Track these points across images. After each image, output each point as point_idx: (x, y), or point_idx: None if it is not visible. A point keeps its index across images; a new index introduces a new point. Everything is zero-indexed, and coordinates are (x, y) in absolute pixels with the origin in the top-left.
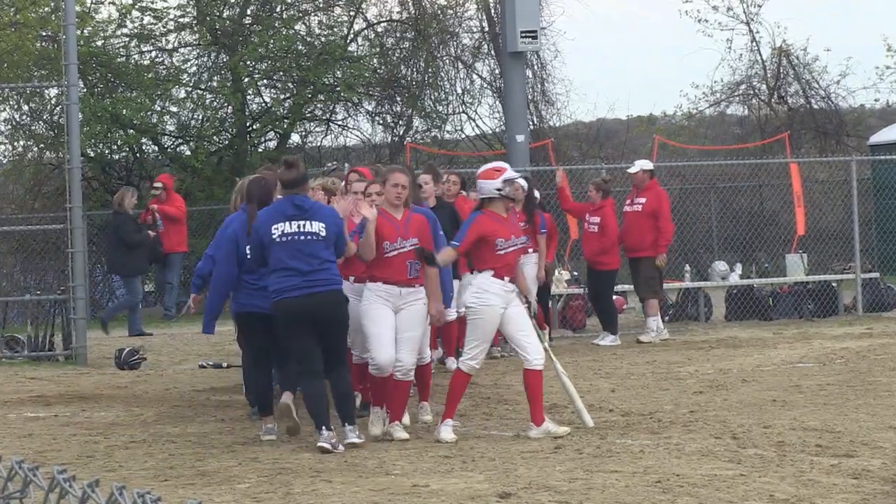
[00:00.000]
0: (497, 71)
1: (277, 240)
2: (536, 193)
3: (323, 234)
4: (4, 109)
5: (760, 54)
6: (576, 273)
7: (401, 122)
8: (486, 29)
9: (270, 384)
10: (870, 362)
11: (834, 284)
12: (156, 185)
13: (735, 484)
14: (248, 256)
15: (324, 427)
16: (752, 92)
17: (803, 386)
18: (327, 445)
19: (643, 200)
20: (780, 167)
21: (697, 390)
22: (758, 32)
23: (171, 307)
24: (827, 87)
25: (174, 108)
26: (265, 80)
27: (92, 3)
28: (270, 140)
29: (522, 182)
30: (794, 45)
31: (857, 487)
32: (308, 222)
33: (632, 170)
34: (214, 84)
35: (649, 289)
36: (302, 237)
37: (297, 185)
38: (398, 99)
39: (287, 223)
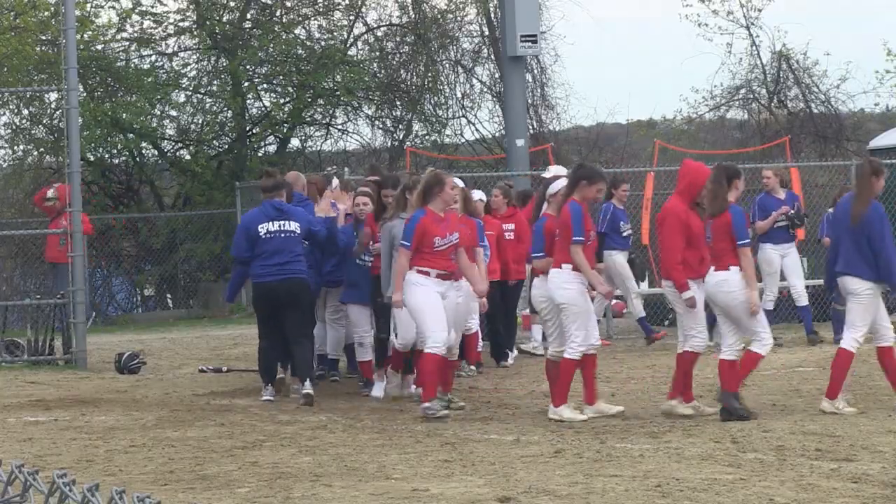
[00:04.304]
0: (497, 75)
1: (264, 236)
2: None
3: (298, 232)
4: (4, 114)
5: (760, 58)
6: None
7: (400, 126)
8: (486, 33)
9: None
10: (869, 367)
11: None
12: (50, 194)
13: (735, 488)
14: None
15: (270, 384)
16: (752, 96)
17: (803, 390)
18: (272, 398)
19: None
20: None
21: (697, 394)
22: (758, 37)
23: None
24: (827, 91)
25: (174, 113)
26: (265, 85)
27: (92, 7)
28: (270, 144)
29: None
30: (794, 49)
31: (856, 492)
32: (287, 222)
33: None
34: (214, 88)
35: None
36: (283, 234)
37: (275, 190)
38: (398, 103)
39: (270, 223)
